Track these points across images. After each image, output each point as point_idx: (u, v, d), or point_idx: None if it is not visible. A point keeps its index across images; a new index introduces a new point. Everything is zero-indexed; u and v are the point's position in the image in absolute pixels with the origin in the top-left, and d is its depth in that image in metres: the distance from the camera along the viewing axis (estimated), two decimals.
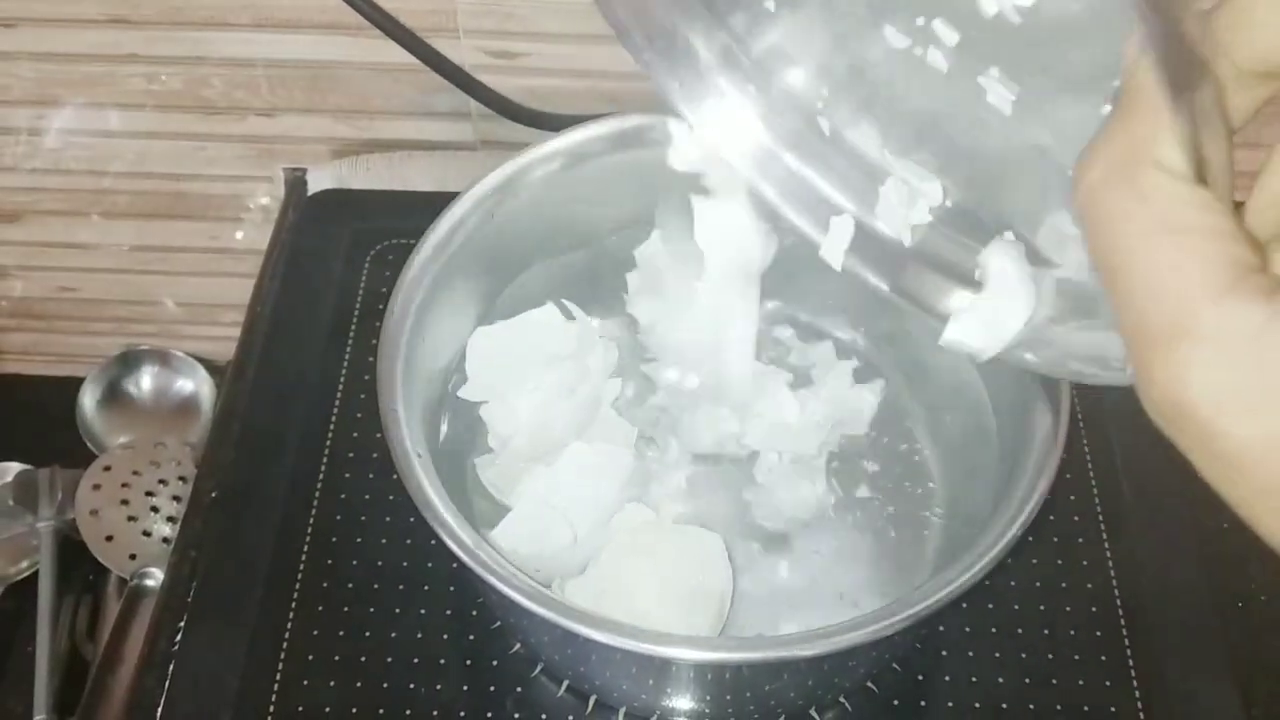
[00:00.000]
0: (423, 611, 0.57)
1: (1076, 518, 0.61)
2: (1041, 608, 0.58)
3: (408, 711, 0.55)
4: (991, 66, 0.40)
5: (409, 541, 0.59)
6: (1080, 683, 0.56)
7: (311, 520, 0.60)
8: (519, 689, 0.55)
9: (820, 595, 0.57)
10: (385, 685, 0.55)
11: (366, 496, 0.61)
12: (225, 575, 0.59)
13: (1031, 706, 0.56)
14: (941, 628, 0.58)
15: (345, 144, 0.82)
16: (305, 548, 0.59)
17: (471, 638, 0.57)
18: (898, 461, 0.61)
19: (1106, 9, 0.35)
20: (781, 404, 0.59)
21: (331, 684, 0.55)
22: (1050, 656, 0.57)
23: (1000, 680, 0.56)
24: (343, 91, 0.78)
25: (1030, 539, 0.48)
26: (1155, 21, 0.26)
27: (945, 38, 0.40)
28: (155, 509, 0.86)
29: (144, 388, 0.96)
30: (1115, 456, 0.64)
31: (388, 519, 0.60)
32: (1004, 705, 0.56)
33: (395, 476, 0.48)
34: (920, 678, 0.56)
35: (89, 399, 0.94)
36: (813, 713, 0.55)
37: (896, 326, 0.63)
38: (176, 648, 0.57)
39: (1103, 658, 0.57)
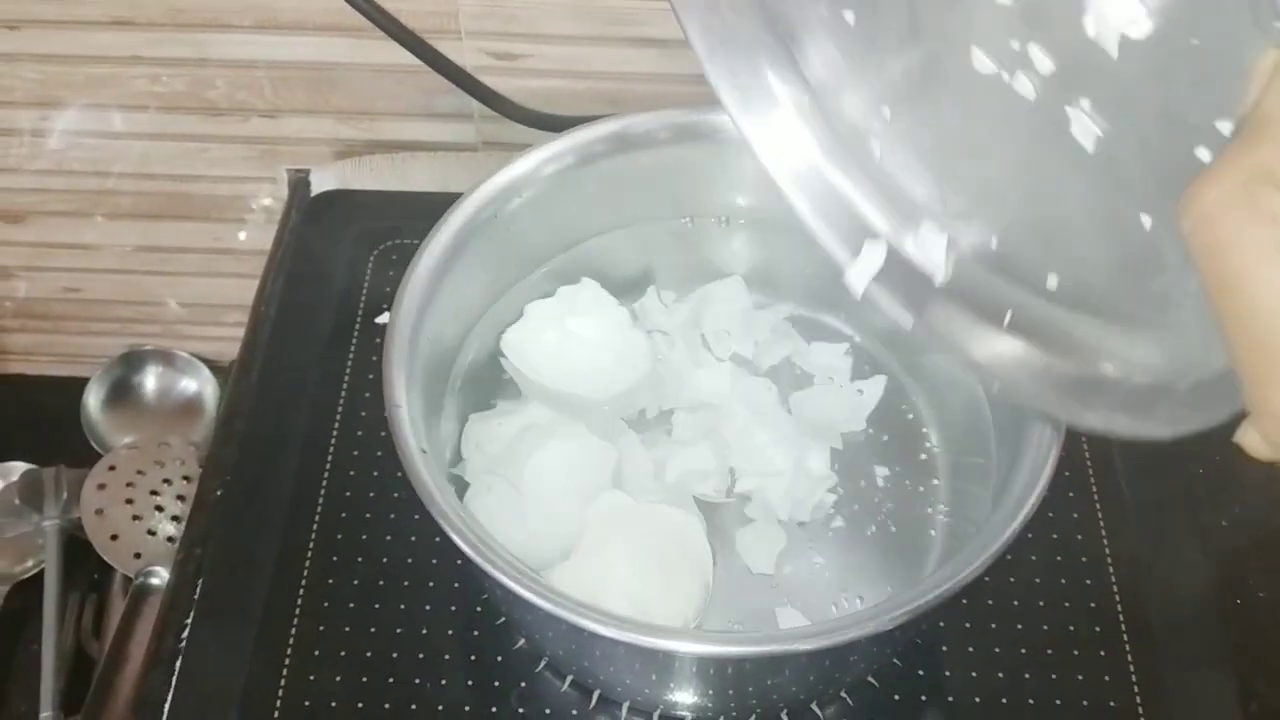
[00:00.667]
0: (427, 608, 0.58)
1: (1075, 514, 0.62)
2: (1041, 603, 0.59)
3: (413, 707, 0.55)
4: (1083, 97, 0.37)
5: (413, 538, 0.59)
6: (1079, 678, 0.57)
7: (317, 518, 0.61)
8: (523, 684, 0.56)
9: (822, 590, 0.57)
10: (391, 681, 0.56)
11: (371, 494, 0.61)
12: (230, 573, 0.59)
13: (1031, 701, 0.56)
14: (942, 623, 0.58)
15: (348, 145, 0.82)
16: (310, 545, 0.60)
17: (476, 633, 0.57)
18: (901, 459, 0.62)
19: (1220, 44, 0.33)
20: (769, 457, 0.60)
21: (337, 679, 0.56)
22: (1049, 652, 0.57)
23: (1000, 675, 0.57)
24: (345, 93, 0.79)
25: (1029, 535, 0.49)
26: None
27: (1039, 64, 0.38)
28: (160, 508, 0.86)
29: (148, 388, 0.96)
30: (1113, 453, 0.64)
31: (392, 516, 0.60)
32: (1003, 700, 0.56)
33: (400, 474, 0.48)
34: (921, 672, 0.57)
35: (93, 399, 0.95)
36: (814, 707, 0.55)
37: (897, 327, 0.64)
38: (183, 645, 0.57)
39: (1101, 653, 0.57)
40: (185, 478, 0.87)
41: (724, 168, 0.61)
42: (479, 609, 0.58)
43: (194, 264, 0.93)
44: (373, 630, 0.57)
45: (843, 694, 0.56)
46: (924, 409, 0.63)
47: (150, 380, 0.96)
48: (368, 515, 0.61)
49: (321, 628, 0.57)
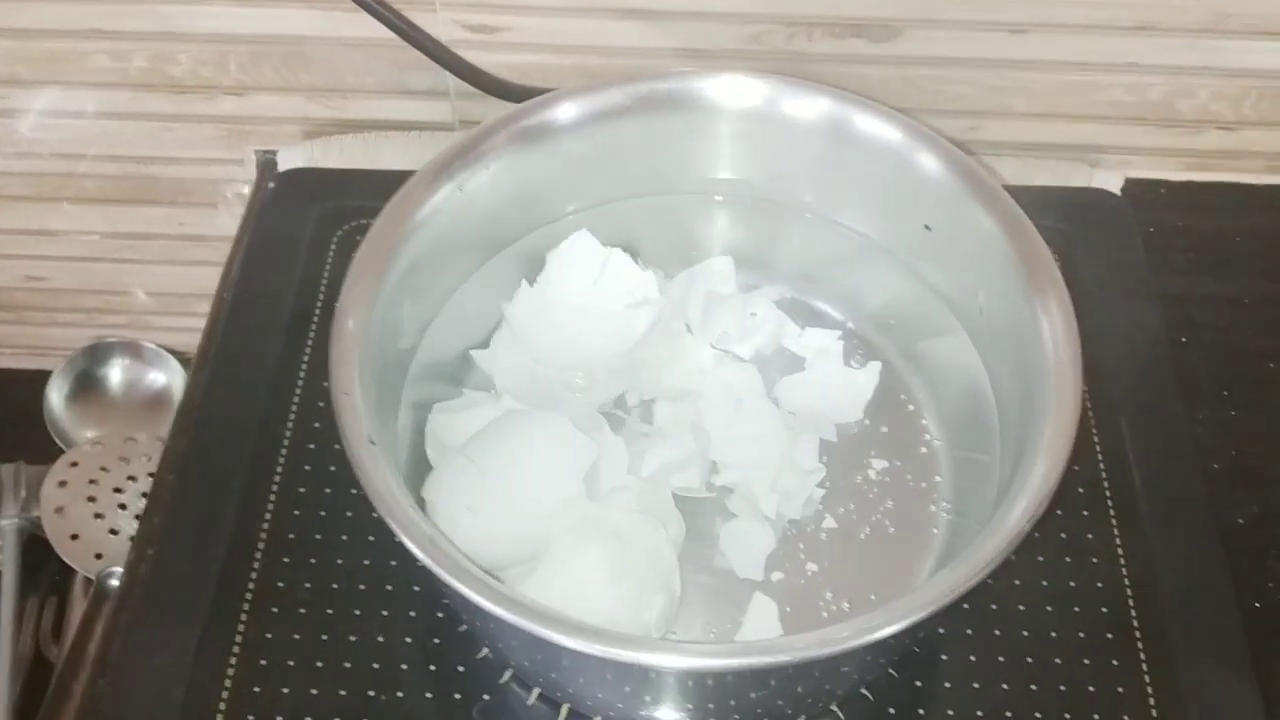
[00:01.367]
0: (385, 613, 0.54)
1: (1086, 512, 0.58)
2: (1048, 609, 0.55)
3: None
4: None
5: (371, 538, 0.55)
6: (1090, 689, 0.53)
7: (268, 516, 0.56)
8: (486, 697, 0.52)
9: (813, 595, 0.53)
10: (343, 693, 0.52)
11: (327, 490, 0.57)
12: (176, 575, 0.55)
13: (1038, 715, 0.52)
14: (941, 630, 0.54)
15: (318, 125, 0.78)
16: (260, 545, 0.56)
17: (436, 641, 0.53)
18: (900, 452, 0.58)
19: None
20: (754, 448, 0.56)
21: (285, 691, 0.52)
22: (1058, 661, 0.53)
23: (1004, 686, 0.53)
24: (315, 69, 0.75)
25: (1036, 535, 0.45)
26: None
27: None
28: (123, 506, 0.83)
29: (114, 381, 0.93)
30: (1127, 447, 0.60)
31: (349, 514, 0.56)
32: (1007, 714, 0.52)
33: None
34: (918, 684, 0.53)
35: (56, 393, 0.91)
36: None
37: (894, 311, 0.60)
38: (115, 652, 0.53)
39: (1114, 662, 0.53)
40: (151, 474, 0.83)
41: (704, 139, 0.57)
42: (440, 614, 0.54)
43: (161, 251, 0.89)
44: (324, 638, 0.53)
45: (834, 708, 0.52)
46: (923, 398, 0.59)
47: (116, 373, 0.93)
48: (322, 513, 0.56)
49: (269, 635, 0.53)
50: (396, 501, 0.43)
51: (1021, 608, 0.55)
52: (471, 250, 0.56)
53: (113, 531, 0.81)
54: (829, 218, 0.59)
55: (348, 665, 0.52)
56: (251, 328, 0.64)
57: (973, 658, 0.53)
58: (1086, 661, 0.53)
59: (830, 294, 0.61)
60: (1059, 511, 0.57)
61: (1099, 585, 0.56)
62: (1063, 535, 0.57)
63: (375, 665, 0.52)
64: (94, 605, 0.77)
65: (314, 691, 0.52)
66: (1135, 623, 0.55)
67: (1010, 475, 0.48)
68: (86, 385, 0.92)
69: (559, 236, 0.58)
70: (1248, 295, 0.69)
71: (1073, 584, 0.56)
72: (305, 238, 0.67)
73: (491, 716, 0.51)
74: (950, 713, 0.52)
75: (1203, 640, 0.54)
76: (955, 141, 0.56)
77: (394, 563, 0.55)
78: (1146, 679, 0.53)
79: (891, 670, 0.52)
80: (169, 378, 0.92)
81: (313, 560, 0.55)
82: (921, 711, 0.52)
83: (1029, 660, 0.53)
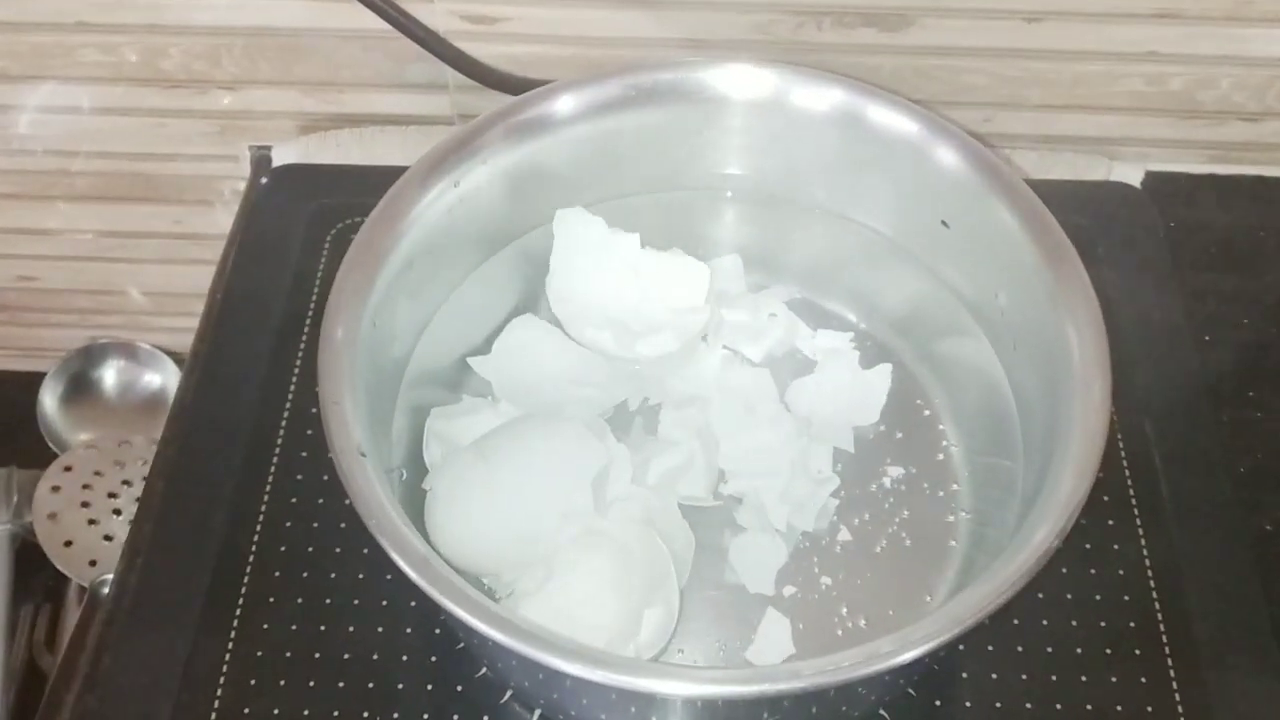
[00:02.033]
0: (380, 629, 0.52)
1: (1111, 521, 0.56)
2: (1073, 623, 0.52)
3: None
4: None
5: (365, 551, 0.53)
6: (1118, 708, 0.50)
7: (259, 527, 0.54)
8: (485, 718, 0.49)
9: (826, 611, 0.51)
10: (336, 714, 0.50)
11: (320, 500, 0.55)
12: (163, 587, 0.54)
13: None
14: (961, 646, 0.51)
15: (313, 119, 0.76)
16: (250, 558, 0.53)
17: (434, 659, 0.51)
18: (916, 459, 0.55)
19: None
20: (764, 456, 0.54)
21: (275, 712, 0.50)
22: (1084, 679, 0.51)
23: (1028, 705, 0.50)
24: (310, 62, 0.73)
25: (1060, 546, 0.43)
26: None
27: None
28: (118, 512, 0.81)
29: (108, 383, 0.91)
30: (1152, 450, 0.58)
31: (343, 525, 0.54)
32: None
33: None
34: (937, 703, 0.50)
35: (49, 395, 0.89)
36: None
37: (909, 312, 0.57)
38: (102, 668, 0.51)
39: (1142, 679, 0.51)
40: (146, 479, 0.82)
41: (710, 133, 0.54)
42: (437, 631, 0.52)
43: (156, 250, 0.88)
44: (317, 655, 0.51)
45: None
46: (941, 403, 0.56)
47: (111, 374, 0.91)
48: (315, 524, 0.54)
49: (260, 651, 0.51)
50: (389, 517, 0.41)
51: (1045, 622, 0.52)
52: (469, 249, 0.54)
53: (107, 538, 0.79)
54: (842, 214, 0.57)
55: (341, 684, 0.50)
56: (242, 329, 0.62)
57: (994, 675, 0.51)
58: (1114, 679, 0.51)
59: (843, 294, 0.59)
60: (1083, 521, 0.54)
61: (1125, 599, 0.53)
62: (1087, 545, 0.54)
63: (370, 684, 0.50)
64: (88, 614, 0.76)
65: (306, 712, 0.50)
66: (1164, 638, 0.52)
67: (1035, 485, 0.46)
68: (81, 387, 0.90)
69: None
70: (1274, 292, 0.67)
71: (1098, 597, 0.53)
72: (298, 236, 0.65)
73: None
74: None
75: (1233, 652, 0.52)
76: (969, 134, 0.53)
77: (389, 577, 0.53)
78: (1176, 695, 0.51)
79: (910, 689, 0.50)
80: (165, 379, 0.90)
81: (305, 574, 0.53)
82: None
83: (1053, 678, 0.51)
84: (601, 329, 0.54)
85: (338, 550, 0.54)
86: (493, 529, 0.49)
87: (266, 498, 0.55)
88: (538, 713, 0.49)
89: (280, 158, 0.72)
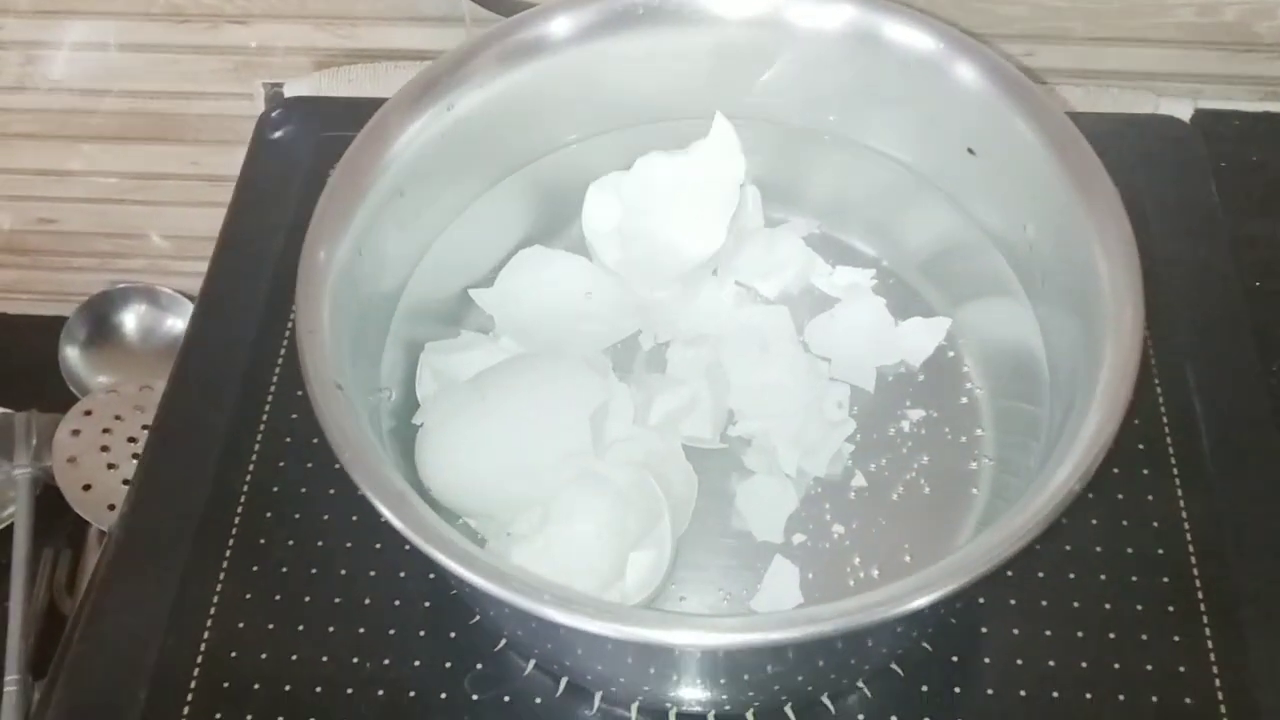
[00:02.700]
0: (372, 573, 0.50)
1: (1146, 471, 0.52)
2: (1102, 577, 0.50)
3: (349, 690, 0.47)
4: None
5: (359, 493, 0.51)
6: (1148, 668, 0.48)
7: (251, 468, 0.53)
8: (479, 665, 0.48)
9: (836, 561, 0.48)
10: (325, 659, 0.48)
11: (315, 440, 0.52)
12: (156, 530, 0.52)
13: (1088, 696, 0.47)
14: (981, 599, 0.49)
15: (327, 55, 0.74)
16: (241, 499, 0.52)
17: (427, 605, 0.49)
18: (937, 402, 0.52)
19: None
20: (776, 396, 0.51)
21: (263, 656, 0.48)
22: (1112, 636, 0.48)
23: (1051, 664, 0.48)
24: None
25: (1090, 496, 0.41)
26: None
27: None
28: (137, 456, 0.79)
29: (129, 327, 0.91)
30: (1194, 400, 0.55)
31: (336, 466, 0.51)
32: (1054, 694, 0.47)
33: None
34: (955, 659, 0.48)
35: (71, 339, 0.89)
36: (825, 700, 0.46)
37: (932, 247, 0.54)
38: (96, 611, 0.50)
39: (1176, 638, 0.48)
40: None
41: (717, 57, 0.51)
42: (431, 576, 0.50)
43: (176, 192, 0.87)
44: (307, 599, 0.49)
45: (860, 684, 0.47)
46: (965, 343, 0.53)
47: (132, 319, 0.91)
48: (309, 464, 0.53)
49: (249, 594, 0.50)
50: (362, 450, 0.39)
51: (1072, 576, 0.50)
52: (466, 178, 0.51)
53: (126, 482, 0.78)
54: (859, 142, 0.53)
55: (331, 629, 0.49)
56: (246, 270, 0.61)
57: (1016, 631, 0.48)
58: (1145, 637, 0.48)
59: (863, 229, 0.56)
60: (1115, 470, 0.52)
61: (1160, 552, 0.50)
62: (1120, 496, 0.51)
63: (361, 630, 0.49)
64: (104, 558, 0.75)
65: (294, 657, 0.48)
66: (1200, 594, 0.49)
67: (1061, 427, 0.42)
68: (102, 331, 0.90)
69: (564, 166, 0.53)
70: None
71: (1130, 550, 0.50)
72: (302, 171, 0.63)
73: (484, 687, 0.47)
74: (990, 692, 0.47)
75: (1275, 612, 0.49)
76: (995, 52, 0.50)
77: (384, 519, 0.50)
78: (1212, 657, 0.48)
79: (925, 644, 0.48)
80: (186, 324, 0.89)
81: (297, 516, 0.51)
82: (958, 690, 0.47)
83: (1079, 635, 0.48)
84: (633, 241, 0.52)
85: (331, 491, 0.52)
86: (486, 467, 0.46)
87: (260, 438, 0.54)
88: (532, 661, 0.47)
89: (292, 95, 0.70)
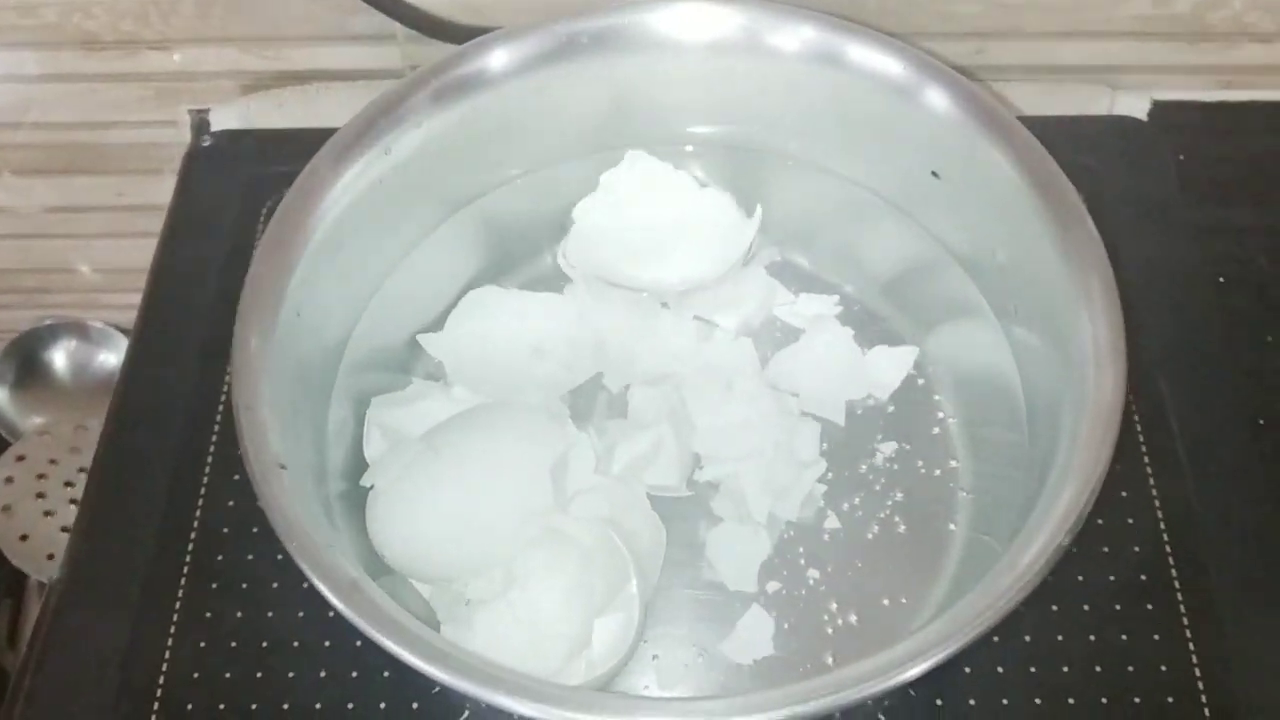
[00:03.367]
0: (331, 615, 0.46)
1: (1119, 466, 0.49)
2: (1086, 608, 0.48)
3: None
4: None
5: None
6: (1129, 669, 0.47)
7: (199, 505, 0.50)
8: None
9: (812, 608, 0.47)
10: (286, 707, 0.46)
11: None
12: (104, 576, 0.50)
13: (1071, 701, 0.46)
14: None
15: (255, 78, 0.71)
16: (191, 537, 0.50)
17: (386, 674, 0.46)
18: (909, 434, 0.51)
19: None
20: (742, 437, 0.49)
21: (221, 707, 0.46)
22: (1091, 638, 0.47)
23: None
24: (246, 15, 0.68)
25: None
26: None
27: None
28: (74, 501, 0.78)
29: (60, 365, 0.88)
30: (1164, 397, 0.54)
31: None
32: (1037, 701, 0.46)
33: None
34: (939, 702, 0.46)
35: None
36: None
37: (899, 273, 0.53)
38: (45, 665, 0.48)
39: (1155, 636, 0.47)
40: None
41: (670, 82, 0.49)
42: None
43: (104, 224, 0.84)
44: (264, 644, 0.47)
45: None
46: (935, 371, 0.52)
47: (62, 356, 0.88)
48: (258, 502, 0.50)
49: (202, 643, 0.47)
50: (309, 539, 0.36)
51: (1054, 608, 0.48)
52: (409, 221, 0.49)
53: (65, 529, 0.77)
54: (821, 167, 0.51)
55: (291, 675, 0.46)
56: (180, 306, 0.58)
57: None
58: (1124, 637, 0.47)
59: (825, 256, 0.54)
60: None
61: (1135, 549, 0.49)
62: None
63: (322, 673, 0.46)
64: (46, 610, 0.72)
65: (253, 706, 0.46)
66: (1178, 590, 0.48)
67: (1046, 457, 0.42)
68: (31, 371, 0.87)
69: (511, 200, 0.51)
70: None
71: (1105, 549, 0.49)
72: (234, 208, 0.61)
73: None
74: (972, 703, 0.46)
75: (1252, 606, 0.49)
76: (959, 67, 0.49)
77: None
78: (1192, 652, 0.47)
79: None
80: (119, 358, 0.86)
81: (249, 557, 0.49)
82: (939, 703, 0.46)
83: (1059, 638, 0.47)
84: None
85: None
86: (442, 530, 0.44)
87: (208, 471, 0.52)
88: None
89: (220, 120, 0.68)
